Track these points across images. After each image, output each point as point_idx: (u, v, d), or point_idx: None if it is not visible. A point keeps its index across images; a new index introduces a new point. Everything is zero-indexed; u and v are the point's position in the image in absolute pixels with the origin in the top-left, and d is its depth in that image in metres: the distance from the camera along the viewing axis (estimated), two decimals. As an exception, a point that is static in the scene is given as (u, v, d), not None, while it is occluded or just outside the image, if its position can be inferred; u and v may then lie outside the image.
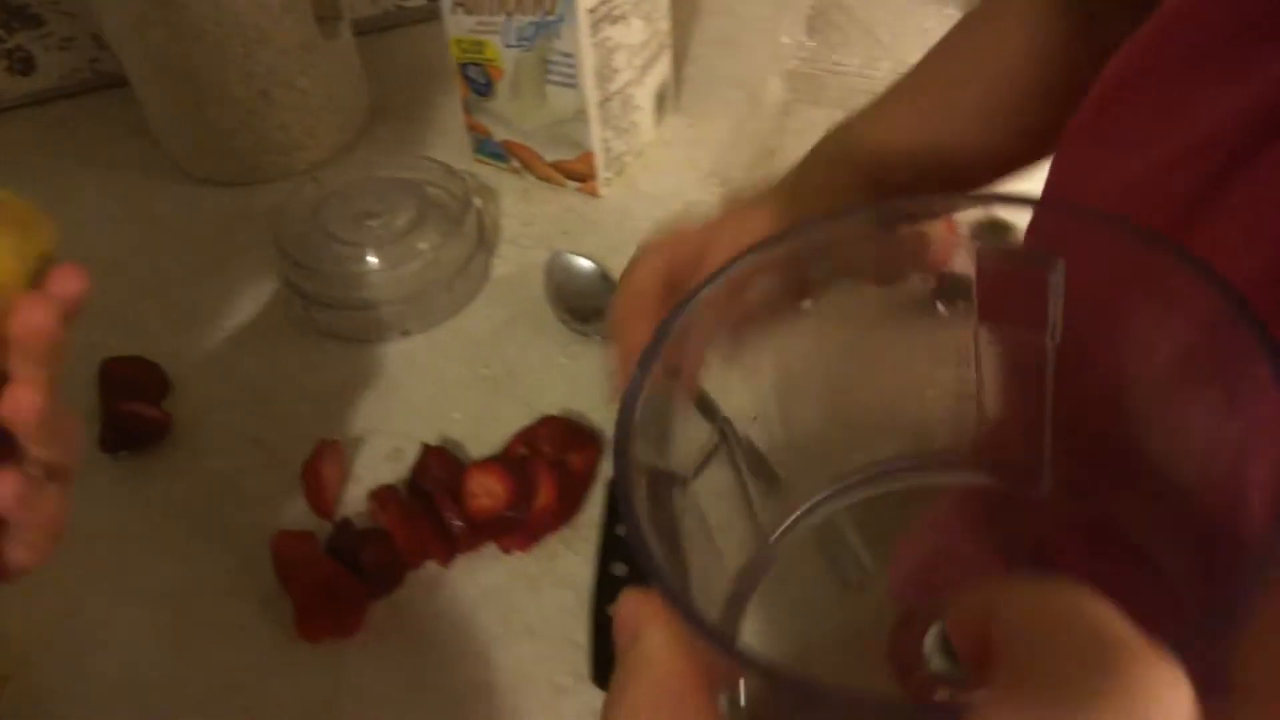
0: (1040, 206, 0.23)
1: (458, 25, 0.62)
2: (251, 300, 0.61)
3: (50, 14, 0.76)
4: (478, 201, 0.62)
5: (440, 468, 0.50)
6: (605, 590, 0.46)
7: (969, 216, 0.24)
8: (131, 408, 0.52)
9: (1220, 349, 0.20)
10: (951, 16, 0.51)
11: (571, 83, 0.61)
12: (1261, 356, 0.18)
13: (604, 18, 0.59)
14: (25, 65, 0.78)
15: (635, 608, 0.19)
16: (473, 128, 0.68)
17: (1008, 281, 0.24)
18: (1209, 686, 0.14)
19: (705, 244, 0.36)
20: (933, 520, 0.28)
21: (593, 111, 0.62)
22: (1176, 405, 0.22)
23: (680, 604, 0.18)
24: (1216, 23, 0.28)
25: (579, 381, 0.55)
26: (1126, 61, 0.30)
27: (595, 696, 0.42)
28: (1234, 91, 0.26)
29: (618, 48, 0.61)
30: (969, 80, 0.42)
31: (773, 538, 0.27)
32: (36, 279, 0.30)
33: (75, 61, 0.78)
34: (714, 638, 0.18)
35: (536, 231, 0.64)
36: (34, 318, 0.29)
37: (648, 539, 0.19)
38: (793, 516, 0.27)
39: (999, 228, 0.24)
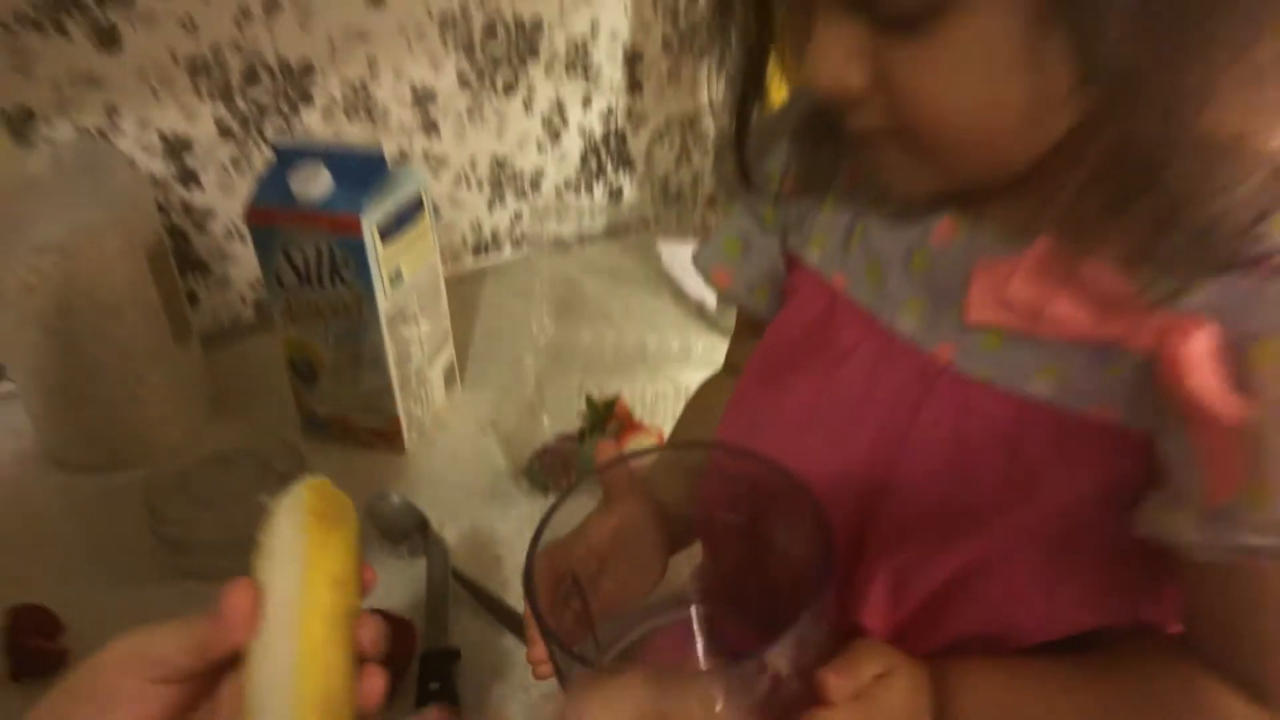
0: (711, 448, 0.47)
1: (288, 331, 0.83)
2: (125, 553, 0.76)
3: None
4: (308, 466, 0.81)
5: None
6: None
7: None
8: (34, 643, 0.66)
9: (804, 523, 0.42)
10: (661, 303, 0.77)
11: (379, 368, 0.82)
12: (821, 527, 0.40)
13: (399, 319, 0.82)
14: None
15: None
16: (300, 408, 0.88)
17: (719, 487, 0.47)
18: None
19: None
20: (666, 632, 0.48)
21: (396, 388, 0.83)
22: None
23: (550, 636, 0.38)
24: (782, 342, 0.51)
25: (394, 588, 0.73)
26: (749, 368, 0.54)
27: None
28: (794, 381, 0.50)
29: (412, 340, 0.84)
30: (692, 425, 0.63)
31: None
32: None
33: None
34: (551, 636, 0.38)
35: (356, 481, 0.83)
36: (370, 633, 0.38)
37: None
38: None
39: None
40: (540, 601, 0.41)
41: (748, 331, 0.59)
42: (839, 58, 0.37)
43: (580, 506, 0.46)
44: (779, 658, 0.38)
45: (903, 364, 0.46)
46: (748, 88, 0.46)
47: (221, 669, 0.37)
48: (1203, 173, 0.35)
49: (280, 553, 0.36)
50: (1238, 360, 0.36)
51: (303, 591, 0.35)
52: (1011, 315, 0.42)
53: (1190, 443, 0.37)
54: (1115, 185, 0.37)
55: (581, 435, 0.82)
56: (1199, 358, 0.36)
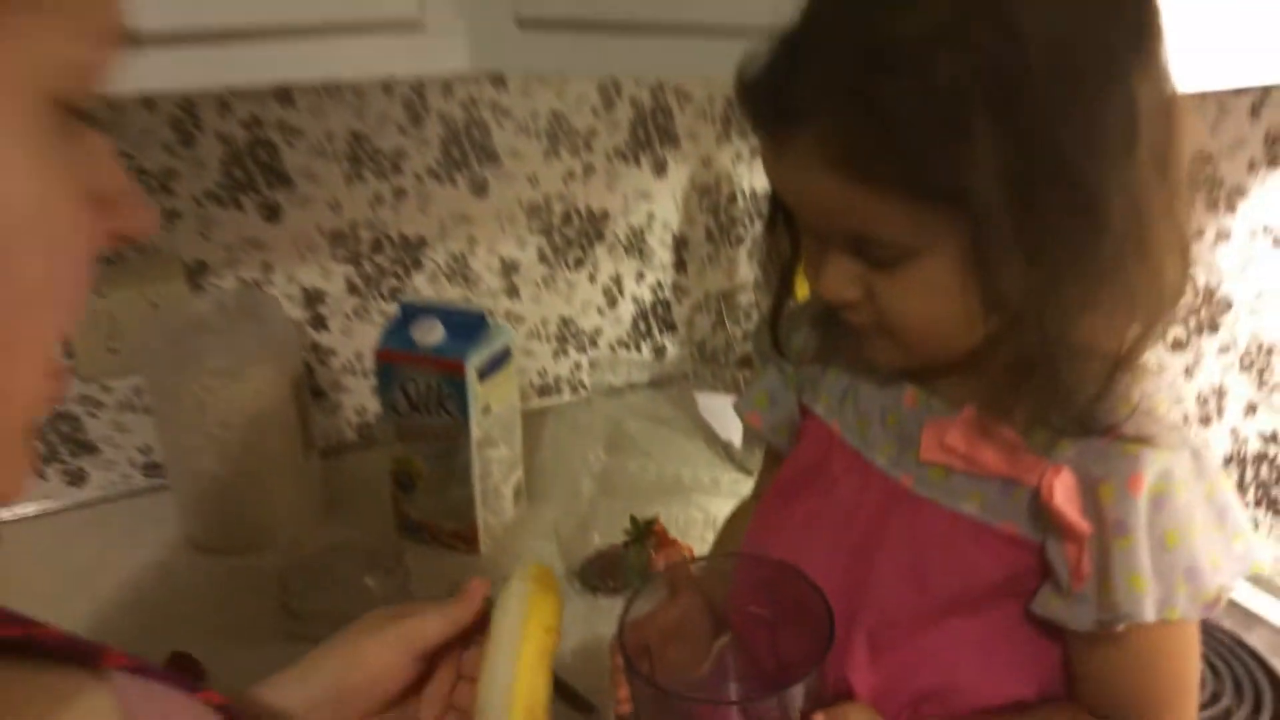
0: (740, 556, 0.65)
1: (395, 448, 1.04)
2: (251, 620, 0.94)
3: (104, 444, 1.14)
4: (406, 558, 1.00)
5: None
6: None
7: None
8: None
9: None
10: (695, 444, 0.96)
11: (465, 483, 1.02)
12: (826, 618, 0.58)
13: (485, 443, 1.02)
14: (76, 479, 1.14)
15: None
16: (397, 512, 1.07)
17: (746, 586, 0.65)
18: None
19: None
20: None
21: (478, 499, 1.03)
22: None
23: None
24: (795, 470, 0.70)
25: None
26: (770, 489, 0.72)
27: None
28: None
29: (493, 461, 1.04)
30: (727, 541, 0.81)
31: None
32: None
33: (116, 476, 1.15)
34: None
35: (441, 575, 1.01)
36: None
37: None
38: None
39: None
40: (629, 653, 0.58)
41: (770, 462, 0.78)
42: (842, 282, 0.56)
43: (648, 598, 0.64)
44: (791, 699, 0.55)
45: (877, 488, 0.64)
46: (782, 290, 0.67)
47: (434, 666, 0.56)
48: (1068, 370, 0.54)
49: (510, 602, 0.55)
50: (1088, 496, 0.54)
51: (523, 629, 0.53)
52: (950, 457, 0.60)
53: (1061, 549, 0.56)
54: (1015, 375, 0.56)
55: (626, 546, 1.01)
56: (1064, 493, 0.55)
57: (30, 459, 0.33)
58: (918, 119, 0.47)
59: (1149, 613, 0.53)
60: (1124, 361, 0.53)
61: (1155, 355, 0.56)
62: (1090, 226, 0.49)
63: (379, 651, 0.54)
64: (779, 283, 0.66)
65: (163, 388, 1.03)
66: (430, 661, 0.56)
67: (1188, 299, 0.56)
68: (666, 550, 1.00)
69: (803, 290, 0.70)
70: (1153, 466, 0.53)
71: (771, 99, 0.52)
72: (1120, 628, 0.53)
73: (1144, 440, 0.53)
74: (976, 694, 0.60)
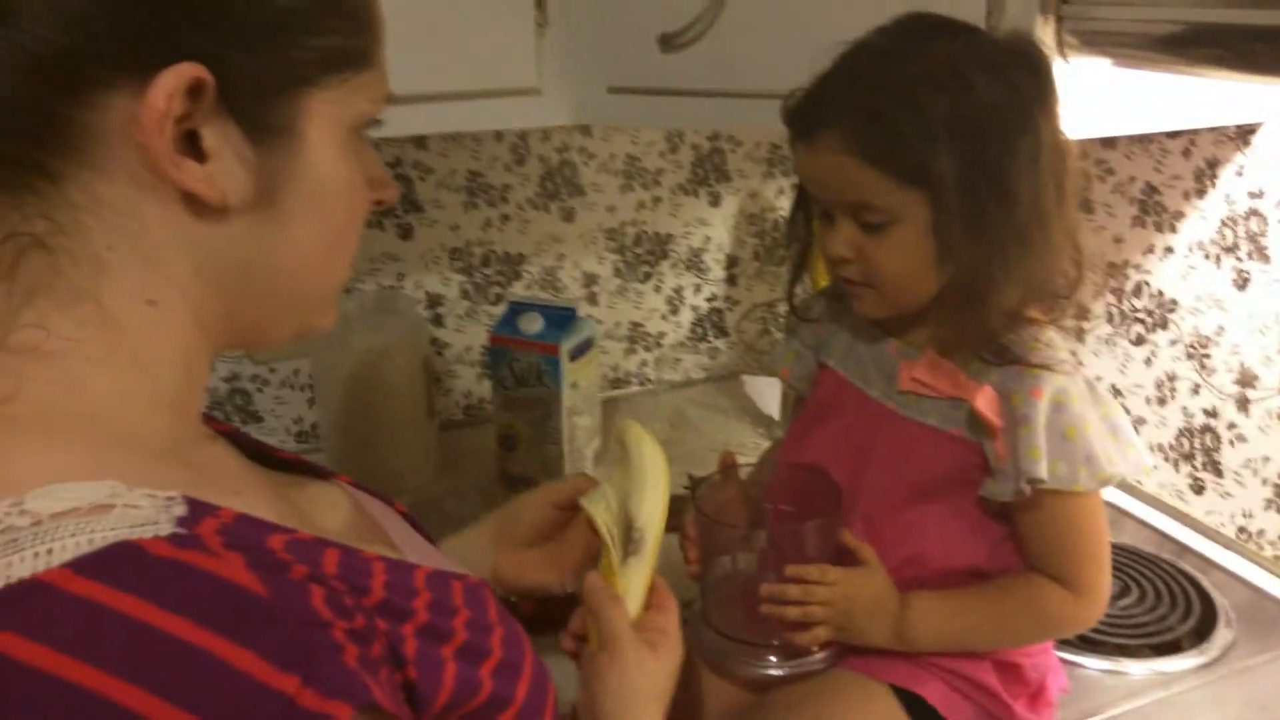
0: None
1: (501, 416, 1.31)
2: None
3: (267, 414, 1.44)
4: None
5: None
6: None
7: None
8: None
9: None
10: (742, 425, 1.23)
11: (556, 442, 1.29)
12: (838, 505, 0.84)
13: (573, 412, 1.29)
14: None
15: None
16: (499, 468, 1.34)
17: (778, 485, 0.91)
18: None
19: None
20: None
21: (566, 458, 1.30)
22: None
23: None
24: (813, 405, 0.97)
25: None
26: (795, 421, 0.98)
27: None
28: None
29: (578, 427, 1.31)
30: (766, 458, 1.09)
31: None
32: None
33: (275, 441, 1.44)
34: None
35: (534, 515, 1.28)
36: None
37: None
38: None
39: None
40: (701, 508, 0.84)
41: (794, 405, 1.03)
42: (843, 244, 0.80)
43: (710, 485, 0.89)
44: (807, 531, 0.81)
45: (872, 413, 0.88)
46: (798, 268, 0.93)
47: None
48: (991, 319, 0.79)
49: (647, 447, 0.74)
50: (1005, 403, 0.79)
51: (664, 469, 0.73)
52: (916, 386, 0.85)
53: (990, 442, 0.80)
54: (956, 325, 0.81)
55: (688, 492, 1.27)
56: (984, 402, 0.79)
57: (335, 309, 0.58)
58: (904, 129, 0.74)
59: (1043, 472, 0.76)
60: (1016, 314, 0.78)
61: (1081, 330, 0.79)
62: (1007, 211, 0.75)
63: (526, 501, 0.81)
64: (796, 261, 0.92)
65: (324, 365, 1.32)
66: (566, 515, 0.81)
67: (1086, 283, 0.81)
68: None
69: (818, 280, 0.96)
70: (1050, 384, 0.77)
71: (809, 111, 0.79)
72: (1028, 491, 0.76)
73: (1044, 366, 0.78)
74: (944, 558, 0.83)
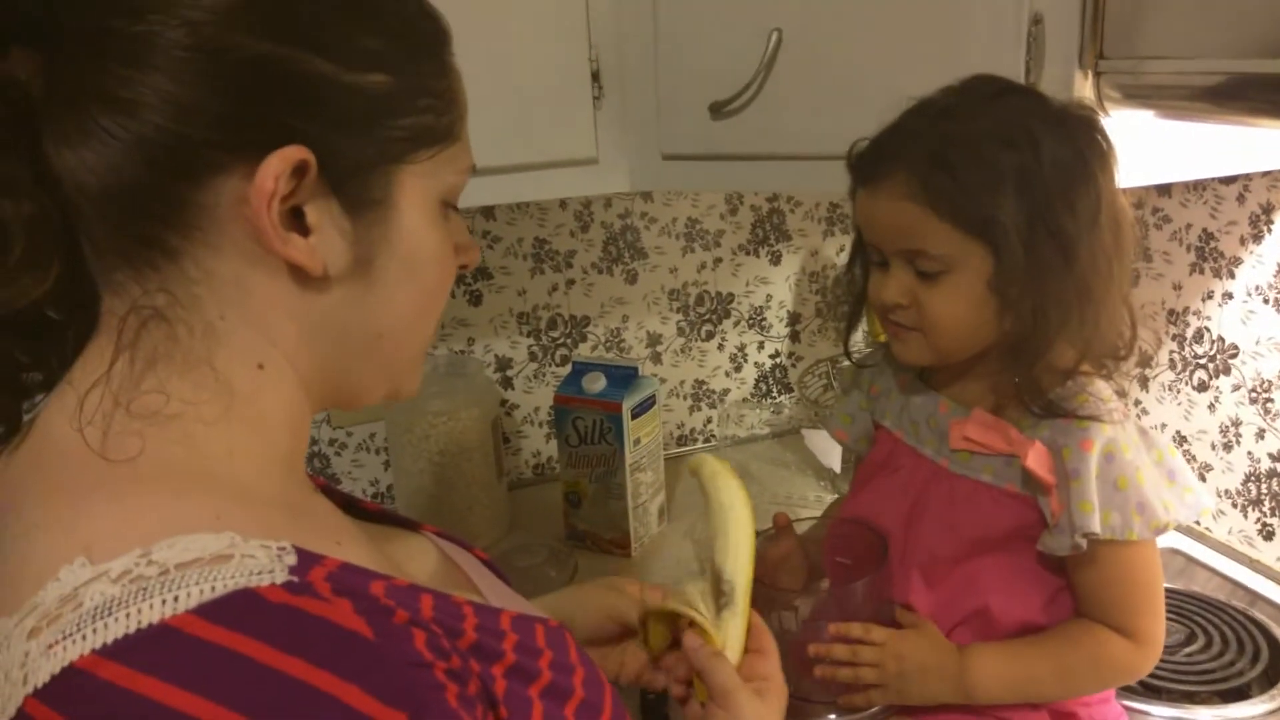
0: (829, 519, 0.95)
1: (566, 473, 1.35)
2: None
3: (344, 476, 1.51)
4: (575, 558, 1.30)
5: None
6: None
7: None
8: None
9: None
10: (805, 479, 1.25)
11: (620, 498, 1.32)
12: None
13: (636, 468, 1.33)
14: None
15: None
16: (566, 524, 1.38)
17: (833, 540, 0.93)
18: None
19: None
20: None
21: (630, 513, 1.33)
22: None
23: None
24: (869, 464, 0.99)
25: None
26: (853, 480, 1.01)
27: None
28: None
29: (642, 483, 1.35)
30: (823, 518, 1.12)
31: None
32: None
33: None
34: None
35: (599, 572, 1.31)
36: None
37: None
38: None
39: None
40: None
41: (851, 463, 1.06)
42: (898, 289, 0.82)
43: (767, 540, 0.91)
44: (853, 592, 0.82)
45: (926, 470, 0.90)
46: (854, 317, 0.95)
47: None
48: (1040, 376, 0.81)
49: (733, 494, 0.73)
50: (1056, 458, 0.80)
51: (749, 515, 0.72)
52: (968, 444, 0.87)
53: (1044, 498, 0.81)
54: (1005, 381, 0.83)
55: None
56: (1035, 458, 0.81)
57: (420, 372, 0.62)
58: (970, 180, 0.76)
59: (1096, 525, 0.76)
60: (1072, 372, 0.80)
61: (1144, 377, 0.79)
62: (1068, 270, 0.77)
63: (582, 602, 0.80)
64: (852, 307, 0.94)
65: (398, 428, 1.38)
66: (620, 629, 0.80)
67: (1142, 347, 0.82)
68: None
69: (876, 333, 0.98)
70: (1100, 435, 0.78)
71: (875, 157, 0.82)
72: (1085, 545, 0.77)
73: (1093, 418, 0.79)
74: (1002, 612, 0.84)
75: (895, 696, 0.82)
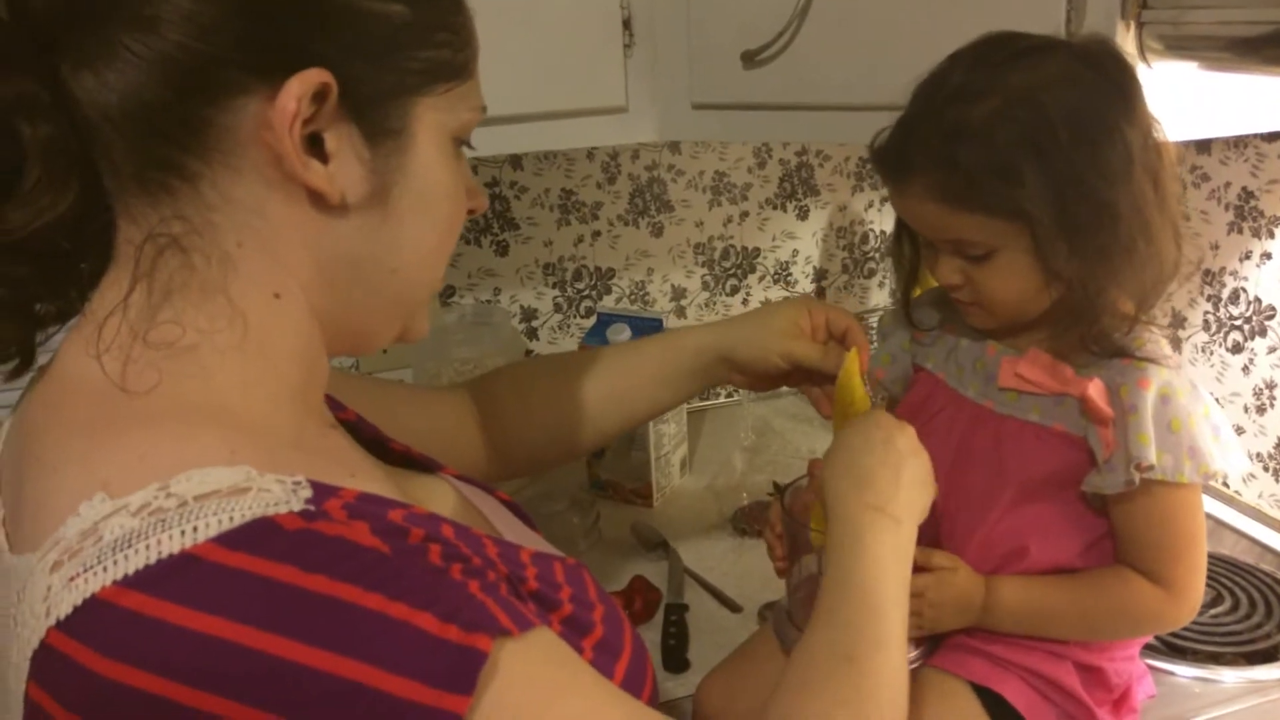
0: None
1: (591, 426, 1.36)
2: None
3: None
4: (597, 507, 1.31)
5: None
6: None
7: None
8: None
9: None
10: (825, 432, 1.25)
11: (643, 449, 1.33)
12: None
13: (659, 420, 1.33)
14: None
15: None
16: (590, 473, 1.39)
17: None
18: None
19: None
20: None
21: (653, 464, 1.33)
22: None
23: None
24: (909, 405, 0.99)
25: (650, 574, 1.20)
26: None
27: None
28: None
29: (665, 434, 1.35)
30: None
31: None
32: None
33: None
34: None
35: (624, 519, 1.32)
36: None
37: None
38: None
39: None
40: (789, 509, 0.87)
41: (888, 407, 1.04)
42: (950, 272, 0.82)
43: (797, 487, 0.91)
44: None
45: (968, 413, 0.89)
46: (909, 284, 0.93)
47: None
48: (1105, 321, 0.80)
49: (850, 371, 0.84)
50: (1113, 394, 0.79)
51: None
52: (1019, 382, 0.85)
53: (1096, 432, 0.80)
54: (1065, 326, 0.82)
55: (775, 497, 1.29)
56: (1096, 391, 0.80)
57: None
58: (983, 172, 0.75)
59: (1152, 457, 0.75)
60: (1139, 312, 0.79)
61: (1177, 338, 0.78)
62: (1108, 226, 0.75)
63: (779, 342, 0.92)
64: (906, 277, 0.93)
65: (424, 375, 1.39)
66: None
67: (1185, 268, 0.80)
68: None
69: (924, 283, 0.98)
70: (1157, 376, 0.77)
71: (893, 160, 0.81)
72: (1137, 480, 0.76)
73: (1150, 360, 0.78)
74: (1040, 555, 0.83)
75: (930, 626, 0.83)
